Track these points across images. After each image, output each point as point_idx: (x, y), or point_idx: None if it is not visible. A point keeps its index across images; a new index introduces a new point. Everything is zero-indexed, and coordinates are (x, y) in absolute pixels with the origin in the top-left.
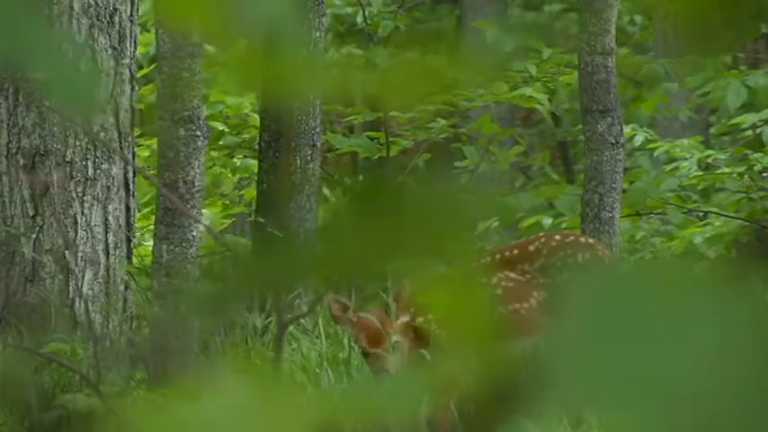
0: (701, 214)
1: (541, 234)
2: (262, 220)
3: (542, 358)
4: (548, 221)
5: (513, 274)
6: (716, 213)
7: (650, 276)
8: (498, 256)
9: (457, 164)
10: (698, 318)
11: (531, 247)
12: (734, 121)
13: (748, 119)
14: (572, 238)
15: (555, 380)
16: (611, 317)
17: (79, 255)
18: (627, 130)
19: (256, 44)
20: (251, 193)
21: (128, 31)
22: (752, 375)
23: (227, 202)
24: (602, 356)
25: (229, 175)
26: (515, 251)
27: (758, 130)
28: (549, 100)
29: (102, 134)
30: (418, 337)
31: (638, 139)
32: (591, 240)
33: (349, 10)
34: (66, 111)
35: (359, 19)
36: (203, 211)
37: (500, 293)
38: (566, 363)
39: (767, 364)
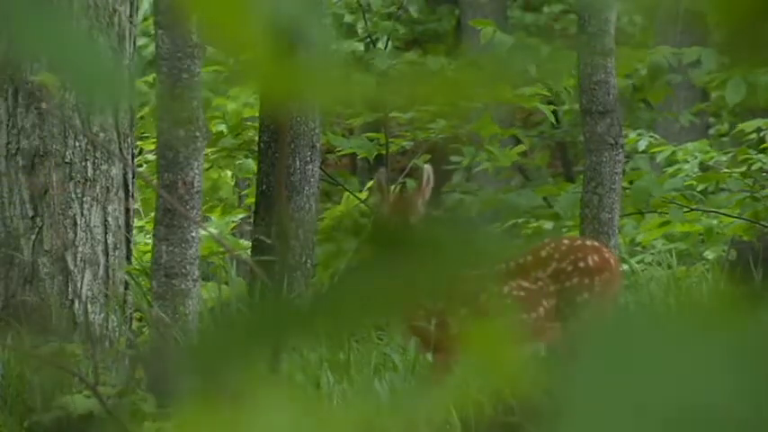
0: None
1: (550, 239)
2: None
3: (556, 394)
4: (548, 226)
5: (525, 283)
6: (718, 213)
7: (657, 317)
8: (512, 263)
9: (453, 167)
10: (709, 352)
11: (543, 253)
12: (740, 126)
13: (753, 124)
14: (579, 242)
15: (568, 414)
16: (623, 355)
17: (78, 256)
18: (632, 135)
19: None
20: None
21: (127, 32)
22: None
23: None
24: (614, 393)
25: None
26: (529, 257)
27: (762, 134)
28: (552, 102)
29: (101, 135)
30: (421, 337)
31: (642, 144)
32: (597, 243)
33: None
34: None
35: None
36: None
37: (511, 303)
38: (579, 398)
39: None
